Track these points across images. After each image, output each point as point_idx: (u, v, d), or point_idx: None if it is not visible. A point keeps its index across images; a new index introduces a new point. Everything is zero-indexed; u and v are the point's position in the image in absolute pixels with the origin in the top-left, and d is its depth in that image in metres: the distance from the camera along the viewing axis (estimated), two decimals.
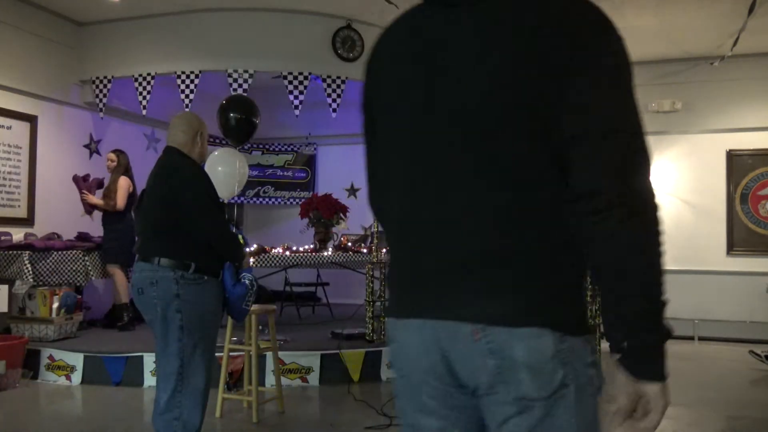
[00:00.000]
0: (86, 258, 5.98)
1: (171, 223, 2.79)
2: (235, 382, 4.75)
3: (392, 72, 1.21)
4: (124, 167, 6.21)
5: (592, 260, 1.07)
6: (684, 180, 7.83)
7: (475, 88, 1.09)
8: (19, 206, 6.13)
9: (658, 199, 1.04)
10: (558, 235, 1.08)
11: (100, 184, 6.35)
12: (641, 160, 1.04)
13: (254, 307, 3.30)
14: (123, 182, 6.07)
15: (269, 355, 4.75)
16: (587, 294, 5.04)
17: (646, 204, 1.03)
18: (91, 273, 6.02)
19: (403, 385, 1.19)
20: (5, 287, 5.19)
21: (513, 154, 1.07)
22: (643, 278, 1.05)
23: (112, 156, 6.24)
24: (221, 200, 3.47)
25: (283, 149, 9.18)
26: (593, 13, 1.11)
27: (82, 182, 6.24)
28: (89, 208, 6.23)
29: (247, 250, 3.13)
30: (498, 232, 1.07)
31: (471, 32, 1.11)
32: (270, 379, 4.87)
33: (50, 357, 5.15)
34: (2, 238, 5.69)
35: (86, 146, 6.94)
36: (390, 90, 1.21)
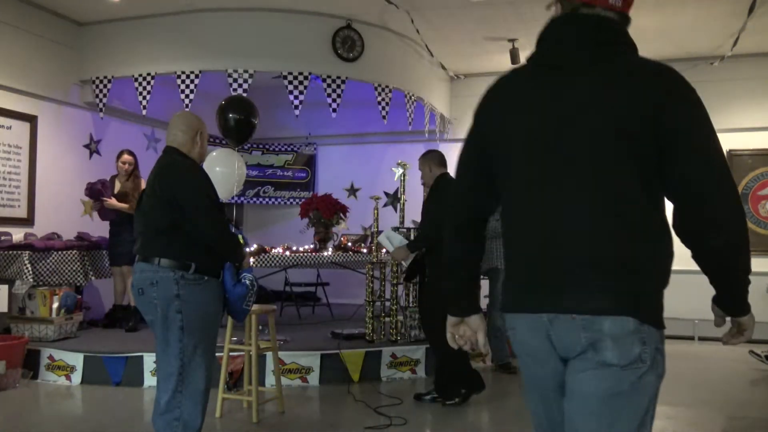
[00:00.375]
0: (86, 258, 5.98)
1: (171, 223, 2.78)
2: (235, 382, 4.75)
3: (518, 121, 1.56)
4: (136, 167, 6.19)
5: (704, 264, 1.51)
6: None
7: (597, 134, 1.44)
8: (19, 206, 6.13)
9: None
10: (653, 251, 1.47)
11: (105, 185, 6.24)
12: (737, 193, 1.46)
13: (254, 307, 3.30)
14: (144, 183, 5.99)
15: (269, 355, 4.75)
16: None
17: (745, 227, 1.46)
18: (91, 273, 6.01)
19: (523, 356, 1.63)
20: (5, 287, 5.19)
21: (623, 187, 1.44)
22: (743, 275, 1.53)
23: (130, 158, 6.12)
24: (221, 200, 3.47)
25: (283, 149, 9.18)
26: (679, 75, 1.47)
27: (102, 189, 6.07)
28: (110, 215, 6.06)
29: (247, 250, 3.12)
30: (611, 244, 1.44)
31: (587, 90, 1.47)
32: (270, 379, 4.87)
33: (50, 357, 5.15)
34: (2, 238, 5.69)
35: (86, 146, 6.94)
36: (520, 136, 1.55)
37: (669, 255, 1.52)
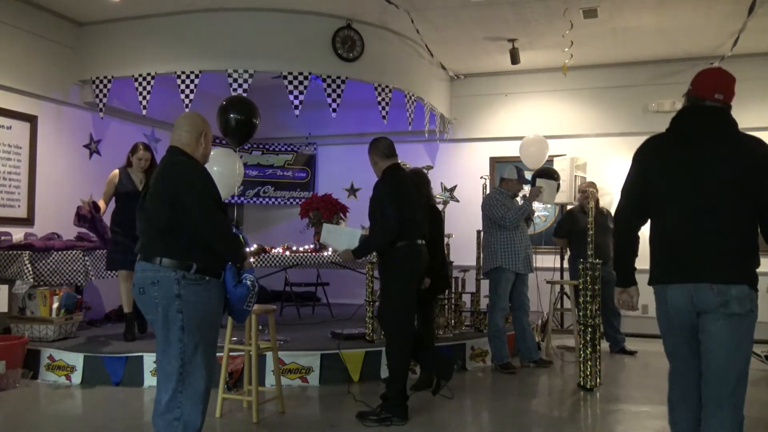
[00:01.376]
0: (86, 258, 5.98)
1: (172, 223, 2.78)
2: (234, 382, 4.75)
3: (671, 170, 2.65)
4: None
5: None
6: None
7: (726, 181, 2.54)
8: (19, 206, 6.13)
9: None
10: (753, 247, 2.58)
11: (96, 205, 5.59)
12: None
13: (254, 307, 3.29)
14: None
15: (269, 355, 4.75)
16: (591, 297, 5.03)
17: None
18: (91, 273, 6.01)
19: (666, 321, 2.71)
20: (5, 287, 5.18)
21: (741, 211, 2.54)
22: None
23: (147, 154, 5.57)
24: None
25: (283, 149, 9.18)
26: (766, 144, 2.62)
27: (92, 210, 5.43)
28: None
29: (247, 250, 3.11)
30: (731, 242, 2.54)
31: (713, 155, 2.57)
32: (270, 379, 4.87)
33: (50, 357, 5.15)
34: (2, 238, 5.69)
35: (86, 146, 6.94)
36: (672, 181, 2.64)
37: (758, 248, 2.60)
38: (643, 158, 2.75)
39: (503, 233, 5.65)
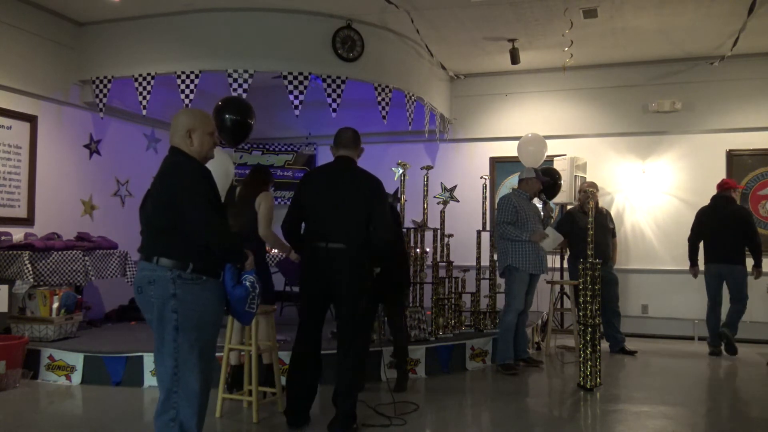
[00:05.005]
0: (86, 258, 5.98)
1: (171, 223, 2.77)
2: (234, 382, 4.74)
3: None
4: None
5: None
6: (684, 180, 7.83)
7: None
8: (19, 206, 6.13)
9: None
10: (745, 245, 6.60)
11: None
12: None
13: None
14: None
15: (266, 355, 4.74)
16: (591, 297, 5.03)
17: None
18: (91, 273, 6.01)
19: (708, 276, 6.63)
20: (5, 287, 5.18)
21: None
22: None
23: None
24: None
25: (283, 149, 9.18)
26: None
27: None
28: None
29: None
30: (735, 244, 6.59)
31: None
32: None
33: (50, 357, 5.15)
34: (2, 238, 5.69)
35: (86, 146, 6.94)
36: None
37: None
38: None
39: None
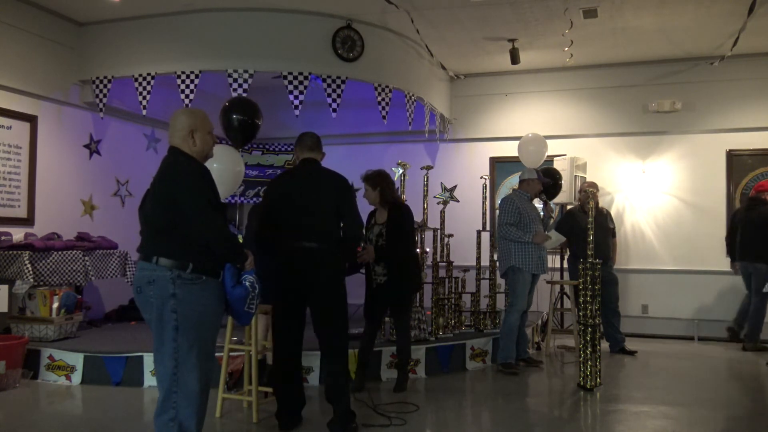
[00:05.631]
0: (86, 258, 5.98)
1: (170, 223, 2.77)
2: (234, 382, 4.75)
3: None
4: None
5: None
6: (684, 180, 7.83)
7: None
8: (19, 206, 6.13)
9: None
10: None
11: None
12: None
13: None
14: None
15: (269, 355, 4.74)
16: (591, 297, 5.03)
17: None
18: (91, 273, 6.01)
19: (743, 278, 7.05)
20: (5, 287, 5.18)
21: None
22: None
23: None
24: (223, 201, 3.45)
25: (283, 149, 9.18)
26: None
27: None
28: None
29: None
30: (753, 246, 6.89)
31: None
32: None
33: (50, 357, 5.15)
34: (2, 238, 5.69)
35: (86, 146, 6.94)
36: None
37: None
38: None
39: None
